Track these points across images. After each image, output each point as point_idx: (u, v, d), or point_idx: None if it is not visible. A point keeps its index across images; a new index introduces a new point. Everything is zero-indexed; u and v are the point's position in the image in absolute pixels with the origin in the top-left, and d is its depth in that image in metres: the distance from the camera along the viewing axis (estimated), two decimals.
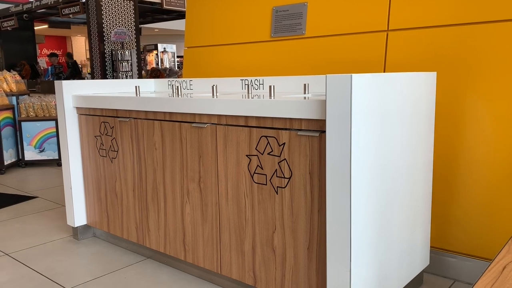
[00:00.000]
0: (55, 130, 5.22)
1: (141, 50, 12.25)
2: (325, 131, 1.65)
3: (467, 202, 2.21)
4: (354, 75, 1.51)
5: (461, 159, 2.21)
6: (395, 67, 2.37)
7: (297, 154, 1.76)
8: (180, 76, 10.29)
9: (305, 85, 2.31)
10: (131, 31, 8.72)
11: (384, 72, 2.42)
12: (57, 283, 2.34)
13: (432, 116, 2.11)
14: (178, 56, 16.81)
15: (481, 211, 2.17)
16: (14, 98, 5.33)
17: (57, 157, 5.26)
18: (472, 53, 2.15)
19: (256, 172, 1.91)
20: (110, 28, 8.39)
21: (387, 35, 2.41)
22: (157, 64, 15.88)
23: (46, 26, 14.05)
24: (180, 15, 11.43)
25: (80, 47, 19.19)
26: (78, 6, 8.39)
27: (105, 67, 8.47)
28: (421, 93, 1.99)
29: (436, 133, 2.26)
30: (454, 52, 2.20)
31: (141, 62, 10.03)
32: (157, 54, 16.22)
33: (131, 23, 8.73)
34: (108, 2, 8.23)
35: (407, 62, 2.34)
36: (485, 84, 2.12)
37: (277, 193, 1.86)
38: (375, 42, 2.45)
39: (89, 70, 10.56)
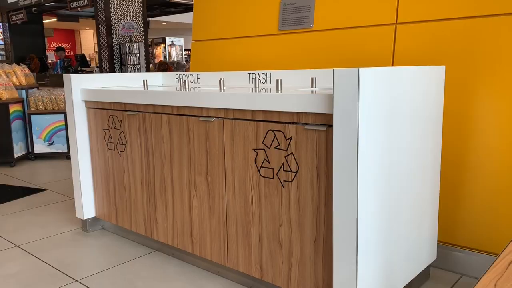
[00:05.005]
0: (64, 123, 5.26)
1: (149, 43, 12.26)
2: (332, 125, 1.65)
3: (475, 195, 2.20)
4: (361, 68, 1.51)
5: (469, 155, 2.19)
6: (403, 61, 2.36)
7: (304, 148, 1.77)
8: (187, 69, 10.29)
9: (312, 78, 2.30)
10: (139, 24, 8.73)
11: (392, 65, 2.40)
12: (66, 274, 2.37)
13: (440, 110, 2.10)
14: (185, 50, 16.82)
15: (489, 204, 2.16)
16: (23, 91, 5.37)
17: (66, 150, 5.30)
18: (482, 47, 2.13)
19: (263, 166, 1.92)
20: (118, 21, 8.40)
21: (396, 28, 2.39)
22: (165, 57, 15.90)
23: (55, 19, 14.11)
24: (188, 8, 11.42)
25: (88, 40, 19.26)
26: None
27: (113, 60, 8.50)
28: (429, 87, 1.97)
29: (443, 127, 2.25)
30: (463, 45, 2.18)
31: (149, 55, 10.04)
32: (164, 48, 16.24)
33: (139, 16, 8.74)
34: None
35: (416, 55, 2.32)
36: (494, 78, 2.10)
37: (283, 187, 1.86)
38: (383, 36, 2.43)
39: (97, 63, 10.60)
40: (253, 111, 1.91)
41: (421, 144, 1.97)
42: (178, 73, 3.22)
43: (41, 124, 5.22)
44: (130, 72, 8.38)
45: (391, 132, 1.73)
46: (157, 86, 3.05)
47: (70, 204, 3.59)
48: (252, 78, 2.74)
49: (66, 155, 5.44)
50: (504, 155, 2.09)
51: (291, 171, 1.82)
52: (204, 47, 3.33)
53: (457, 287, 2.15)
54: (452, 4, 2.21)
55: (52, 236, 2.92)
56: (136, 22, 8.65)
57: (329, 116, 1.66)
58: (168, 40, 16.33)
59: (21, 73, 5.64)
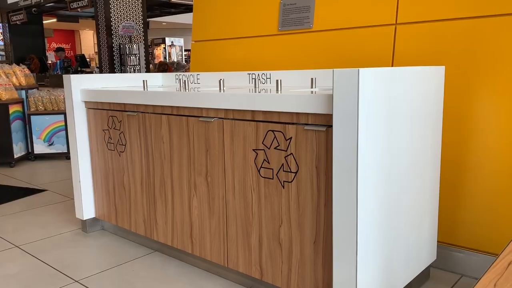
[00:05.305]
0: (64, 123, 5.26)
1: (149, 43, 12.26)
2: (332, 126, 1.65)
3: (475, 195, 2.20)
4: (361, 69, 1.51)
5: (469, 155, 2.19)
6: (403, 61, 2.36)
7: (303, 148, 1.77)
8: (187, 70, 10.29)
9: (312, 79, 2.30)
10: (139, 25, 8.74)
11: (392, 65, 2.40)
12: (65, 275, 2.37)
13: (440, 110, 2.10)
14: (185, 50, 16.82)
15: (489, 204, 2.16)
16: (23, 92, 5.37)
17: (66, 151, 5.30)
18: (481, 47, 2.13)
19: (262, 166, 1.92)
20: (118, 22, 8.40)
21: (395, 28, 2.39)
22: (165, 58, 15.91)
23: (55, 20, 14.11)
24: (188, 8, 11.43)
25: (88, 41, 19.26)
26: (86, 0, 8.41)
27: (113, 61, 8.50)
28: (429, 87, 1.97)
29: (443, 127, 2.25)
30: (463, 46, 2.18)
31: (149, 56, 10.05)
32: (164, 48, 16.24)
33: (139, 17, 8.74)
34: None
35: (416, 55, 2.32)
36: (494, 78, 2.10)
37: (283, 188, 1.86)
38: (383, 36, 2.43)
39: (97, 64, 10.61)
40: (253, 111, 1.91)
41: (421, 144, 1.97)
42: (178, 73, 3.22)
43: (41, 124, 5.22)
44: (130, 72, 8.38)
45: (391, 132, 1.73)
46: (157, 86, 3.05)
47: (70, 205, 3.59)
48: (252, 78, 2.74)
49: (66, 156, 5.44)
50: (504, 155, 2.09)
51: (291, 172, 1.82)
52: (204, 48, 3.33)
53: None
54: (452, 4, 2.21)
55: (52, 236, 2.92)
56: (136, 23, 8.65)
57: (329, 117, 1.66)
58: (168, 40, 16.35)
59: (21, 74, 5.64)
